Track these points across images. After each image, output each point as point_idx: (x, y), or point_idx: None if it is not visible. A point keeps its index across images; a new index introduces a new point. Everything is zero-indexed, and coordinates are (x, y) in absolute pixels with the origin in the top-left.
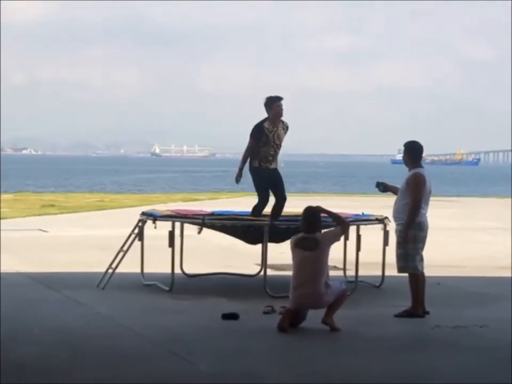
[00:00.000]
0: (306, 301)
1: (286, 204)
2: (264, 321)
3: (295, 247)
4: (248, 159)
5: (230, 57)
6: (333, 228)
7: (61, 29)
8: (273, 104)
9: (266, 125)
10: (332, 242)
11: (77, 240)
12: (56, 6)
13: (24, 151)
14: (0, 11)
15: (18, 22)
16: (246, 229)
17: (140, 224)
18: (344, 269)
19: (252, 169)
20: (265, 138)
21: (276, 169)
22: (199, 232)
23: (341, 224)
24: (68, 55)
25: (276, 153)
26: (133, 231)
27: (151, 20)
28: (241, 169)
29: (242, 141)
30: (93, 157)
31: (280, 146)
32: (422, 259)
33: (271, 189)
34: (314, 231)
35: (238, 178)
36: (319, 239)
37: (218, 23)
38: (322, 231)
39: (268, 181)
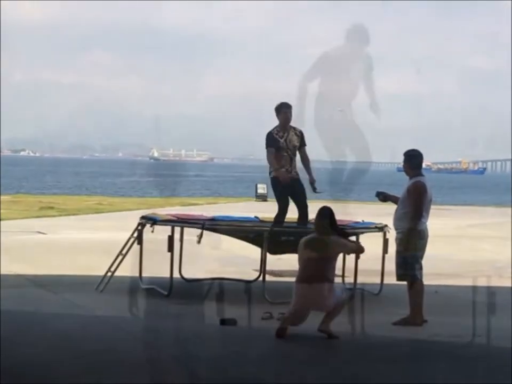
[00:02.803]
0: (310, 301)
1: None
2: (262, 327)
3: (304, 247)
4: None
5: (231, 62)
6: (349, 240)
7: (61, 31)
8: (281, 110)
9: (275, 131)
10: (341, 251)
11: (76, 243)
12: (58, 8)
13: (22, 153)
14: (0, 9)
15: (18, 22)
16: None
17: (139, 228)
18: (343, 276)
19: (271, 179)
20: (277, 143)
21: (295, 179)
22: (199, 242)
23: (356, 250)
24: (67, 57)
25: (291, 159)
26: (132, 234)
27: (151, 24)
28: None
29: (241, 146)
30: (91, 159)
31: (294, 152)
32: (421, 268)
33: (291, 198)
34: (327, 233)
35: (285, 180)
36: (330, 242)
37: (218, 27)
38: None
39: (285, 190)
